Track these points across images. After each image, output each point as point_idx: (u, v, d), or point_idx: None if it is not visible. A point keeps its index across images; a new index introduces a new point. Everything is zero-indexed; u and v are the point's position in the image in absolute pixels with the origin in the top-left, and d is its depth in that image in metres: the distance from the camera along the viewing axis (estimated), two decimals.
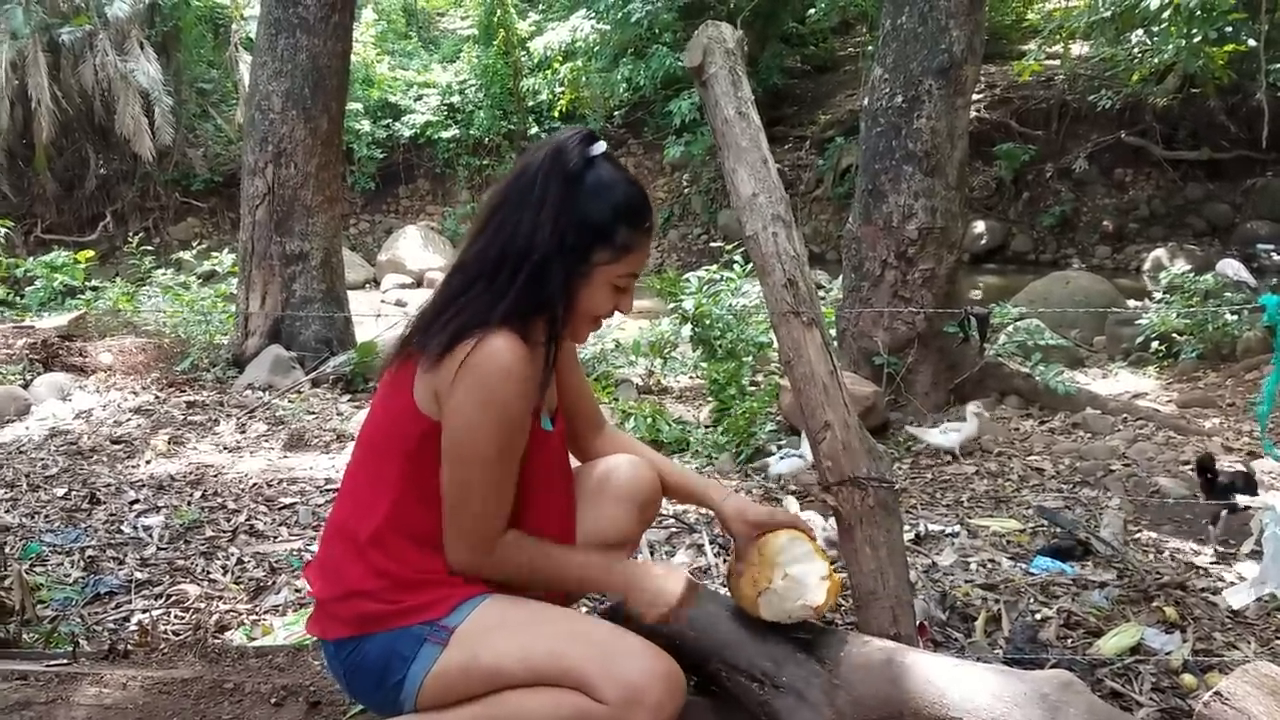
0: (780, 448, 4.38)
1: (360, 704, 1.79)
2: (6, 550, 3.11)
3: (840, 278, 5.87)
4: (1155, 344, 6.46)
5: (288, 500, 3.83)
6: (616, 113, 16.14)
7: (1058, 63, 13.61)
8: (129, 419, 5.27)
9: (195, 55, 15.88)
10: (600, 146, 1.59)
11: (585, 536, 1.78)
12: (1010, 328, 6.26)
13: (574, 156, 1.54)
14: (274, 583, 2.98)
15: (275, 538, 3.43)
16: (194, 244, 13.48)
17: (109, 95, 13.71)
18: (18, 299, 7.72)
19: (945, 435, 4.37)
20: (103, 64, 13.55)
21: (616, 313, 1.62)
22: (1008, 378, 5.40)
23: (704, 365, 5.49)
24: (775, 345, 5.05)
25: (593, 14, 14.82)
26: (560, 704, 1.48)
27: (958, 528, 3.27)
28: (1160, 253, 11.50)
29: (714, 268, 6.37)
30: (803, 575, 1.70)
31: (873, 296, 5.11)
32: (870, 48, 13.51)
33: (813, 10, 14.48)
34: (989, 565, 2.90)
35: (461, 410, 1.49)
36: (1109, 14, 10.41)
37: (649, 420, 4.86)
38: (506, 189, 1.57)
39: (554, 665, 1.49)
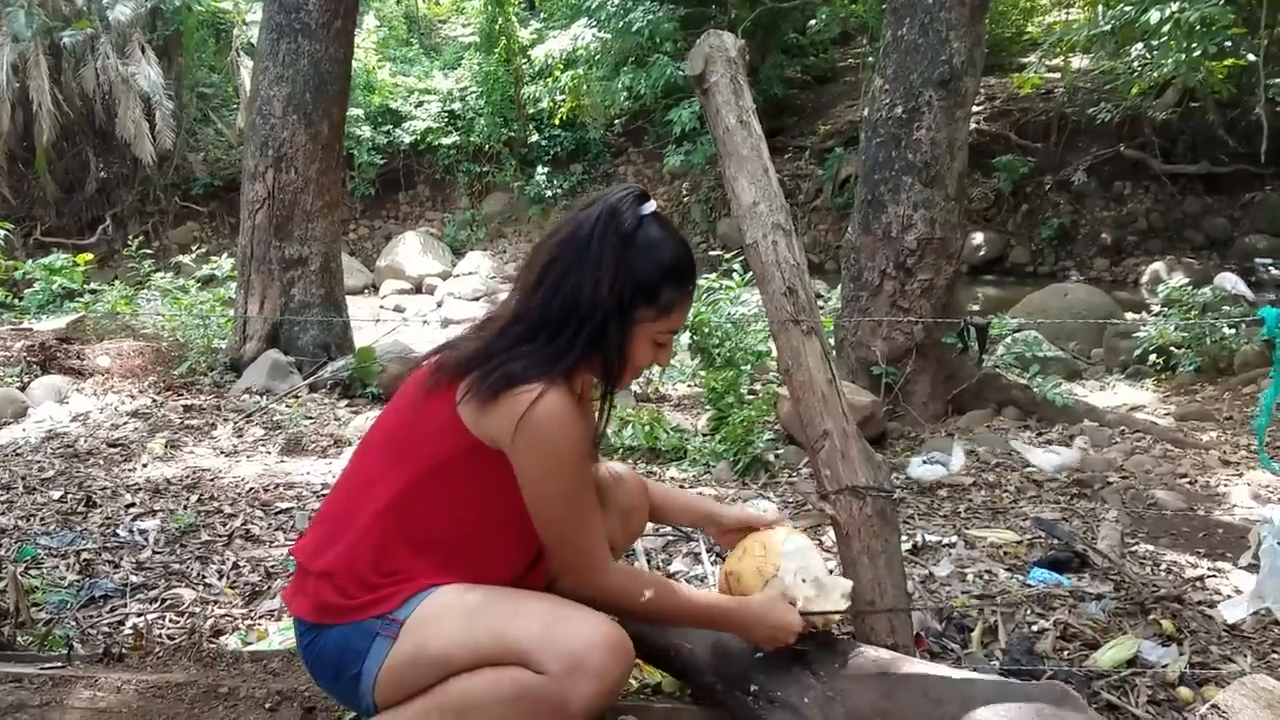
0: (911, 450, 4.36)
1: (324, 690, 1.79)
2: (2, 552, 3.10)
3: (839, 287, 5.88)
4: (1153, 357, 6.47)
5: (284, 505, 3.82)
6: (617, 121, 16.18)
7: (1058, 76, 13.66)
8: (126, 422, 5.26)
9: (197, 60, 15.88)
10: (651, 206, 1.64)
11: None
12: (1008, 339, 6.27)
13: (628, 217, 1.60)
14: (269, 587, 2.97)
15: (271, 542, 3.43)
16: (193, 248, 13.46)
17: (110, 99, 13.71)
18: (16, 301, 7.71)
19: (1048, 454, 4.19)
20: (104, 67, 13.55)
21: (656, 366, 1.69)
22: (1005, 389, 5.40)
23: (702, 373, 5.49)
24: (774, 354, 5.04)
25: (594, 22, 14.84)
26: (500, 681, 1.50)
27: (955, 538, 3.26)
28: (1158, 266, 11.52)
29: (713, 276, 6.37)
30: (810, 569, 1.72)
31: (871, 306, 5.12)
32: (871, 59, 13.56)
33: (814, 21, 14.52)
34: (986, 576, 2.90)
35: (535, 465, 1.56)
36: (1109, 28, 10.45)
37: (646, 428, 4.86)
38: (561, 245, 1.62)
39: (496, 644, 1.51)
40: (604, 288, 1.56)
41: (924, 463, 4.02)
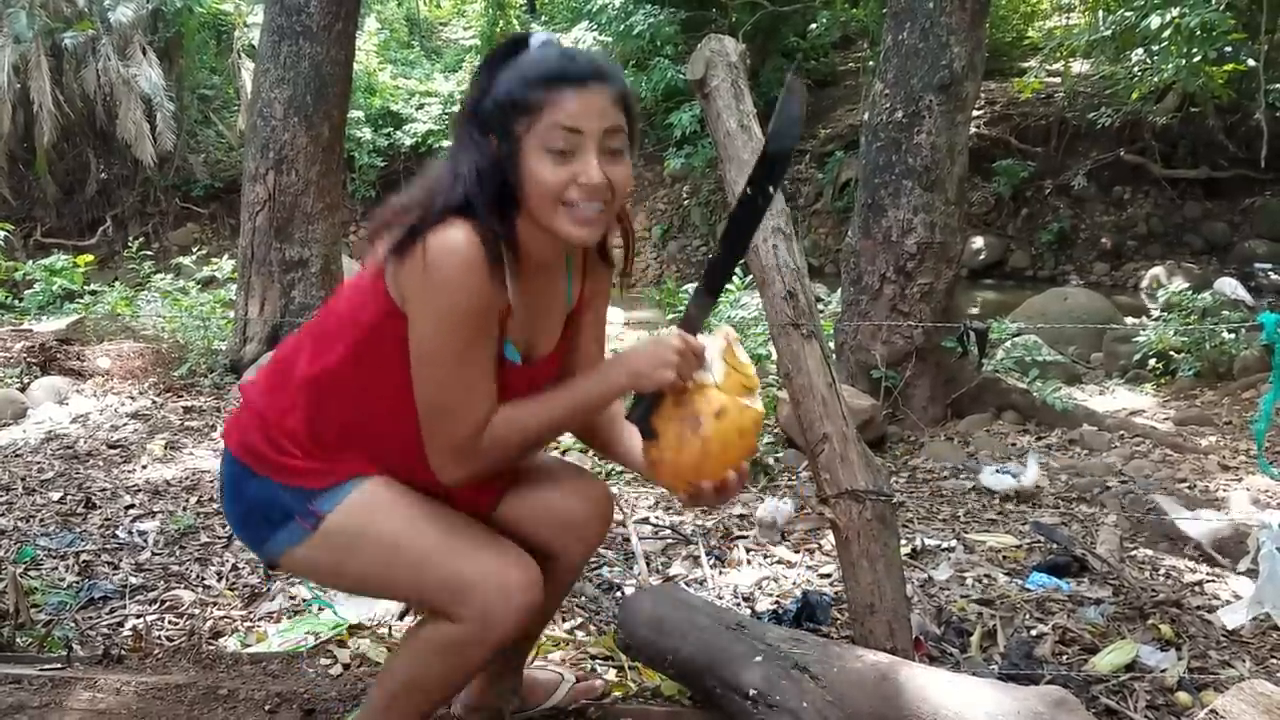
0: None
1: (226, 518, 1.78)
2: (1, 554, 3.10)
3: (839, 291, 5.88)
4: (1152, 361, 6.47)
5: None
6: None
7: (1058, 80, 13.67)
8: (126, 423, 5.26)
9: (197, 61, 15.91)
10: (538, 39, 1.53)
11: None
12: (1008, 343, 6.27)
13: (495, 52, 1.54)
14: (268, 589, 2.97)
15: None
16: (194, 249, 13.46)
17: (111, 100, 13.73)
18: (16, 302, 7.71)
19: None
20: (105, 69, 13.57)
21: (584, 192, 1.46)
22: (1005, 393, 5.40)
23: None
24: (773, 358, 5.05)
25: (595, 25, 14.87)
26: (424, 651, 1.59)
27: (954, 542, 3.27)
28: (1158, 270, 11.52)
29: None
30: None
31: (871, 310, 5.12)
32: (871, 63, 13.57)
33: (814, 26, 14.53)
34: (985, 580, 2.90)
35: (420, 308, 1.47)
36: (1109, 33, 10.47)
37: None
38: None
39: (413, 587, 1.58)
40: (469, 106, 1.51)
41: (996, 472, 3.96)
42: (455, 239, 1.42)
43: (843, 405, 1.78)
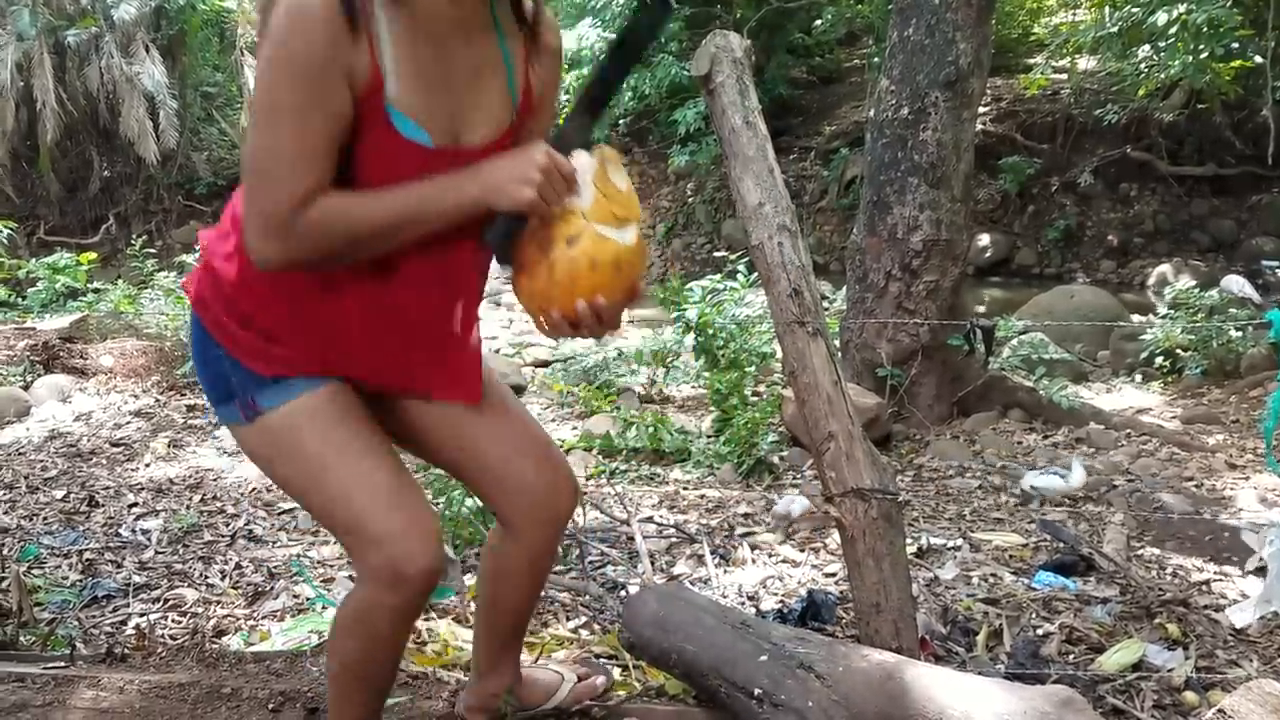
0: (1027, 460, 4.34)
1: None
2: (4, 552, 3.10)
3: (844, 289, 5.87)
4: (1159, 359, 6.44)
5: (287, 505, 3.82)
6: (621, 121, 16.16)
7: (1064, 77, 13.63)
8: (129, 422, 5.26)
9: (200, 59, 15.94)
10: None
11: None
12: (1014, 341, 6.25)
13: None
14: (272, 588, 2.97)
15: (274, 543, 3.42)
16: (196, 247, 13.47)
17: (114, 98, 13.76)
18: (19, 300, 7.72)
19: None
20: (108, 66, 13.60)
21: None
22: (1011, 391, 5.39)
23: (706, 375, 5.48)
24: (778, 356, 5.04)
25: (599, 22, 14.85)
26: (341, 628, 1.58)
27: (960, 541, 3.25)
28: (1165, 268, 11.49)
29: (718, 277, 6.36)
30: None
31: (877, 308, 5.10)
32: (876, 60, 13.54)
33: (819, 22, 14.50)
34: (991, 580, 2.88)
35: (257, 62, 1.31)
36: (1116, 29, 10.42)
37: (651, 430, 4.85)
38: None
39: (324, 515, 1.56)
40: None
41: (1042, 473, 3.92)
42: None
43: (848, 403, 1.77)
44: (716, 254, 12.38)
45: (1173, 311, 6.87)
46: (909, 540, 3.01)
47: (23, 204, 14.24)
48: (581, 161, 1.41)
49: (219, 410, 1.55)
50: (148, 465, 4.48)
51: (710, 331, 5.51)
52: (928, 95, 4.82)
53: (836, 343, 5.30)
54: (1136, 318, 7.40)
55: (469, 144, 1.43)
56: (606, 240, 1.37)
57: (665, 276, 14.61)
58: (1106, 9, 11.11)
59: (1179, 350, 6.37)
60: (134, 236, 11.91)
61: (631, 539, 3.16)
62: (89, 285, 7.72)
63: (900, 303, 5.05)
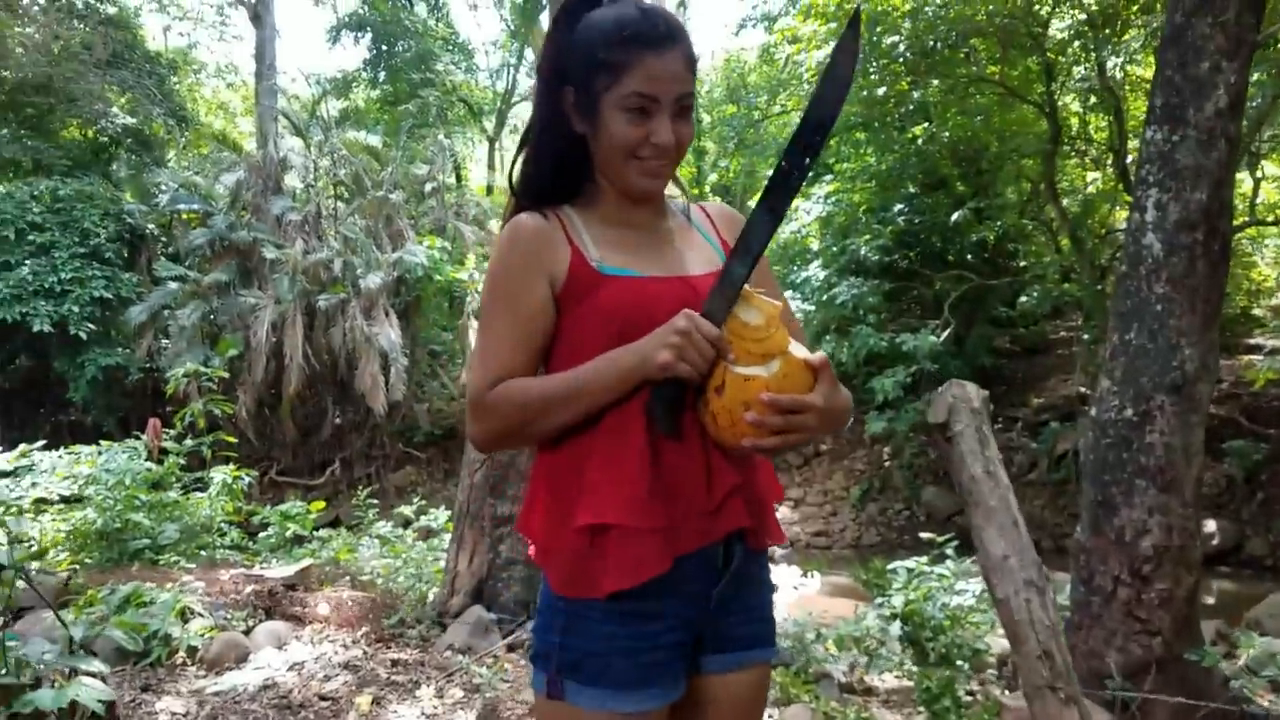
0: None
1: None
2: None
3: (1067, 588, 5.53)
4: None
5: None
6: None
7: None
8: (337, 674, 5.42)
9: (431, 320, 17.40)
10: None
11: None
12: (1255, 651, 5.63)
13: (561, 13, 1.62)
14: None
15: None
16: (410, 490, 14.25)
17: (352, 355, 15.11)
18: (251, 544, 8.29)
19: None
20: (351, 327, 15.03)
21: (656, 150, 1.57)
22: (1257, 717, 4.80)
23: (915, 668, 5.18)
24: (993, 651, 4.76)
25: (797, 295, 15.39)
26: None
27: None
28: None
29: (924, 560, 6.13)
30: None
31: (1104, 614, 4.76)
32: (1086, 336, 13.34)
33: (1024, 299, 14.50)
34: None
35: None
36: None
37: None
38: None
39: None
40: (549, 55, 1.60)
41: None
42: (514, 220, 1.60)
43: None
44: (917, 520, 11.98)
45: None
46: None
47: (260, 446, 15.55)
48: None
49: (532, 661, 1.63)
50: None
51: (918, 620, 5.26)
52: (1152, 399, 4.67)
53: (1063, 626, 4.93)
54: None
55: (684, 273, 1.63)
56: (751, 379, 1.43)
57: (859, 541, 14.24)
58: None
59: None
60: (356, 479, 12.76)
61: None
62: (314, 533, 8.24)
63: (1130, 610, 4.70)
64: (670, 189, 1.71)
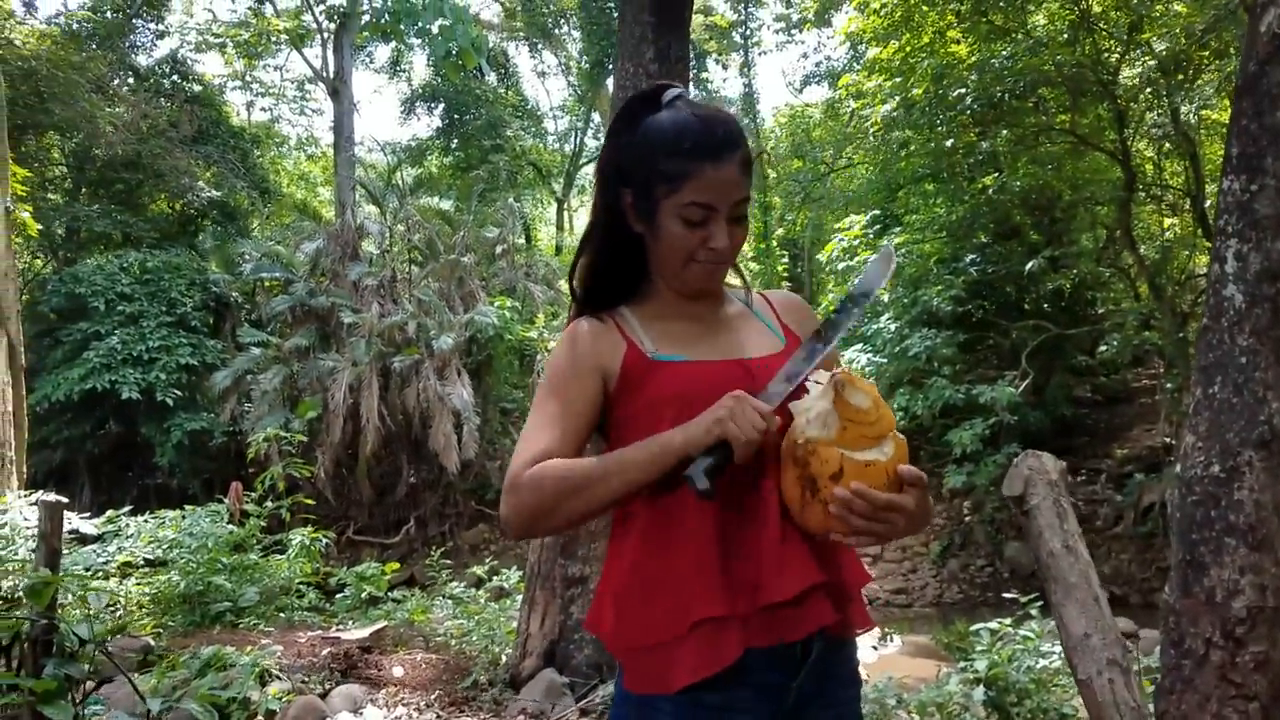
0: None
1: None
2: None
3: (1157, 649, 5.31)
4: None
5: None
6: None
7: None
8: None
9: (502, 379, 17.62)
10: (671, 94, 1.63)
11: None
12: None
13: (632, 106, 1.65)
14: None
15: None
16: (482, 548, 14.32)
17: (427, 414, 15.35)
18: (327, 605, 8.38)
19: None
20: (424, 388, 15.29)
21: (712, 255, 1.60)
22: None
23: None
24: (1080, 716, 4.56)
25: (869, 348, 15.25)
26: None
27: None
28: None
29: (1008, 622, 5.94)
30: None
31: (1196, 678, 4.53)
32: (1169, 385, 12.96)
33: (1103, 347, 14.17)
34: None
35: None
36: None
37: None
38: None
39: None
40: (610, 159, 1.64)
41: None
42: (573, 323, 1.67)
43: None
44: (1000, 577, 11.63)
45: None
46: None
47: (338, 506, 15.82)
48: (817, 389, 1.50)
49: None
50: None
51: (1002, 685, 5.09)
52: (1240, 455, 4.49)
53: (1150, 707, 4.74)
54: None
55: (741, 356, 1.65)
56: (871, 466, 1.42)
57: (941, 598, 13.88)
58: None
59: None
60: (430, 537, 12.86)
61: None
62: (389, 594, 8.31)
63: (1224, 674, 4.46)
64: (731, 277, 1.74)
